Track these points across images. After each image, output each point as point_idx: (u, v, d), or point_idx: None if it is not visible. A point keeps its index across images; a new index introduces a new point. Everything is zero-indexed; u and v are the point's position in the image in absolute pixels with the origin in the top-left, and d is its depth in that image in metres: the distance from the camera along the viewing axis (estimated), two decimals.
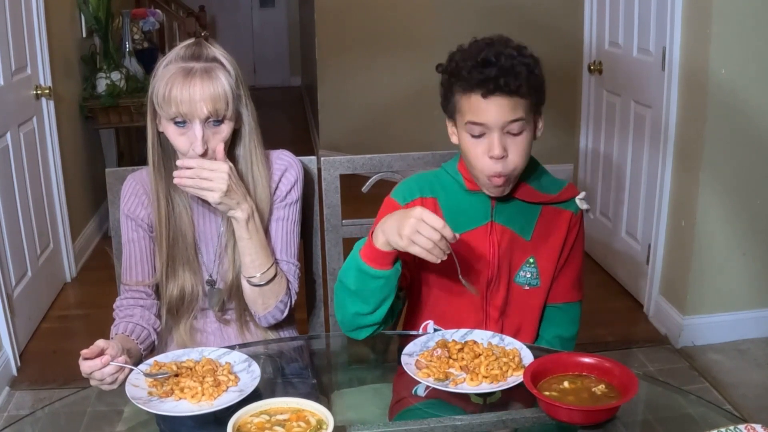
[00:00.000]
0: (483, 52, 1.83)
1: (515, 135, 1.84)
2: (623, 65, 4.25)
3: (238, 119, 1.95)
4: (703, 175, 3.49)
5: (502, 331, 1.97)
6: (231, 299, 2.08)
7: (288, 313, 2.06)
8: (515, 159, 1.85)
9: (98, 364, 1.66)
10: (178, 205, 2.01)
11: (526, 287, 2.00)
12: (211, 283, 2.08)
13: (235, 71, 1.92)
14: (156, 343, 2.01)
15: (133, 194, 2.04)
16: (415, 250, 1.69)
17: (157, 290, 2.06)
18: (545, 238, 2.00)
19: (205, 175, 1.85)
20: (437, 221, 1.66)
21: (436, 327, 2.02)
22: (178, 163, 1.88)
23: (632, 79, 4.14)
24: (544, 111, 1.92)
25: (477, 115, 1.83)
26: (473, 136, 1.86)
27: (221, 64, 1.91)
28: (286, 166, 2.07)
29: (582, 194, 2.01)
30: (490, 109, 1.81)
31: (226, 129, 1.92)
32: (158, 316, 2.04)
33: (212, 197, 1.86)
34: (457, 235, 1.70)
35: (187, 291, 2.04)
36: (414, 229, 1.68)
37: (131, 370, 1.69)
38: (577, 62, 4.86)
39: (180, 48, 1.92)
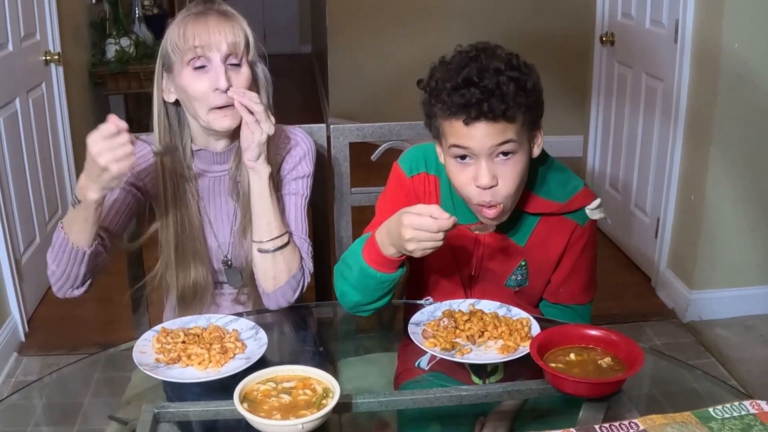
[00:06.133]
0: (464, 70, 1.66)
1: (505, 158, 1.69)
2: (635, 37, 4.22)
3: (255, 81, 1.92)
4: (714, 149, 3.48)
5: None
6: (246, 282, 2.03)
7: (300, 295, 1.97)
8: (506, 186, 1.70)
9: (125, 124, 1.62)
10: (184, 189, 1.95)
11: (516, 289, 1.96)
12: (227, 263, 2.05)
13: (248, 24, 1.89)
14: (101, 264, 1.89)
15: (142, 155, 1.93)
16: (429, 252, 1.65)
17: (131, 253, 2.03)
18: (542, 246, 1.89)
19: (255, 108, 1.80)
20: (429, 224, 1.59)
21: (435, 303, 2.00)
22: (231, 92, 1.83)
23: (644, 51, 4.11)
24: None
25: (460, 139, 1.68)
26: (458, 161, 1.72)
27: (234, 13, 1.89)
28: (293, 144, 2.02)
29: (595, 203, 1.87)
30: (474, 136, 1.66)
31: (246, 72, 1.87)
32: (99, 263, 1.88)
33: (260, 138, 1.80)
34: (454, 218, 1.60)
35: (200, 283, 1.99)
36: (417, 245, 1.62)
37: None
38: (588, 34, 4.82)
39: (189, 5, 1.90)
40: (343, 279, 1.83)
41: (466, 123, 1.65)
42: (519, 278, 1.94)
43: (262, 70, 1.94)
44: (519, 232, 1.88)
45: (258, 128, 1.80)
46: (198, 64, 1.84)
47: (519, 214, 1.85)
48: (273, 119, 1.83)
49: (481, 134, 1.65)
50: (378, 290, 1.79)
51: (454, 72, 1.68)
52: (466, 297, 1.96)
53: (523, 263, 1.92)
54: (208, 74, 1.83)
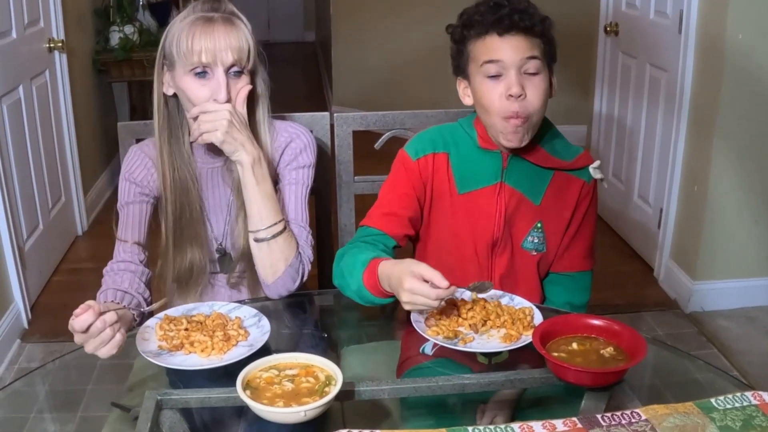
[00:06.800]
0: None
1: (532, 76, 1.83)
2: (640, 27, 4.21)
3: (253, 79, 1.94)
4: (717, 140, 3.47)
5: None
6: (243, 267, 2.04)
7: (300, 284, 1.98)
8: (533, 100, 1.83)
9: (91, 316, 1.56)
10: (184, 176, 1.97)
11: (534, 253, 2.00)
12: (221, 251, 2.06)
13: (251, 30, 1.92)
14: (146, 313, 1.93)
15: (141, 164, 2.01)
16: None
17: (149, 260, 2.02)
18: (555, 204, 1.98)
19: (207, 118, 1.84)
20: (428, 293, 1.61)
21: None
22: (189, 115, 1.89)
23: (648, 41, 4.10)
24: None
25: (493, 53, 1.83)
26: (490, 78, 1.84)
27: (240, 18, 1.91)
28: (293, 137, 2.03)
29: (596, 163, 1.99)
30: (506, 48, 1.82)
31: (245, 81, 1.90)
32: (148, 285, 1.98)
33: (216, 137, 1.83)
34: (453, 288, 1.63)
35: (196, 265, 2.01)
36: (411, 304, 1.65)
37: (131, 326, 1.68)
38: (593, 23, 4.82)
39: (195, 3, 1.91)
40: (342, 278, 1.87)
41: (500, 34, 1.82)
42: (536, 241, 1.98)
43: (261, 74, 1.97)
44: (533, 189, 1.96)
45: (210, 136, 1.85)
46: (200, 71, 1.86)
47: (531, 170, 1.95)
48: (223, 120, 1.84)
49: (512, 46, 1.82)
50: (372, 304, 1.82)
51: (484, 2, 1.87)
52: (490, 263, 2.00)
53: (539, 225, 1.97)
54: (210, 83, 1.87)
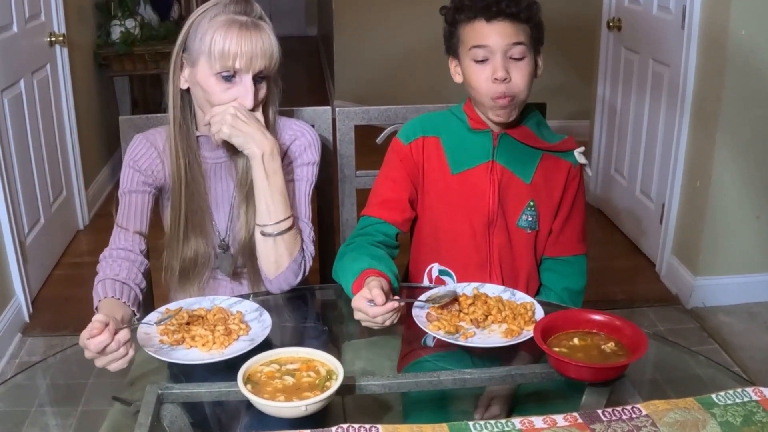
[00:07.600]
0: None
1: (517, 60, 1.90)
2: (642, 23, 4.21)
3: (269, 81, 1.94)
4: (720, 136, 3.47)
5: (502, 274, 2.02)
6: (243, 260, 2.04)
7: (302, 278, 2.00)
8: (518, 82, 1.90)
9: (107, 337, 1.53)
10: (194, 168, 1.98)
11: (528, 231, 2.03)
12: (224, 247, 2.06)
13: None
14: (141, 304, 1.94)
15: (146, 153, 2.00)
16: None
17: (148, 251, 2.02)
18: (545, 184, 2.02)
19: (214, 120, 1.87)
20: (370, 311, 1.65)
21: (441, 268, 2.06)
22: (203, 121, 1.92)
23: (651, 37, 4.10)
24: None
25: (480, 39, 1.90)
26: (477, 62, 1.92)
27: (267, 22, 1.92)
28: (297, 134, 2.04)
29: (581, 149, 2.05)
30: (493, 33, 1.89)
31: (266, 86, 1.92)
32: (145, 275, 1.97)
33: (223, 132, 1.86)
34: (392, 305, 1.65)
35: (200, 255, 2.02)
36: (361, 320, 1.69)
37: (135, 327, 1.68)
38: (595, 18, 4.81)
39: (225, 2, 1.90)
40: (338, 280, 1.92)
41: (488, 20, 1.89)
42: (530, 219, 2.02)
43: (274, 77, 1.98)
44: (523, 168, 2.02)
45: (220, 135, 1.88)
46: (227, 75, 1.87)
47: (520, 149, 2.01)
48: (227, 116, 1.87)
49: (498, 32, 1.89)
50: None
51: None
52: (488, 242, 2.03)
53: (531, 203, 2.01)
54: (235, 88, 1.88)
